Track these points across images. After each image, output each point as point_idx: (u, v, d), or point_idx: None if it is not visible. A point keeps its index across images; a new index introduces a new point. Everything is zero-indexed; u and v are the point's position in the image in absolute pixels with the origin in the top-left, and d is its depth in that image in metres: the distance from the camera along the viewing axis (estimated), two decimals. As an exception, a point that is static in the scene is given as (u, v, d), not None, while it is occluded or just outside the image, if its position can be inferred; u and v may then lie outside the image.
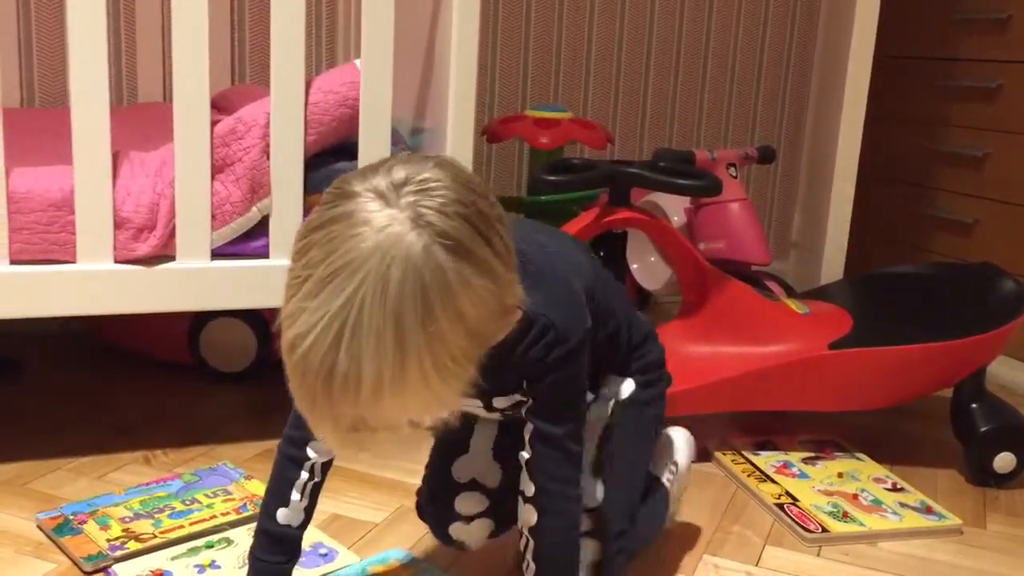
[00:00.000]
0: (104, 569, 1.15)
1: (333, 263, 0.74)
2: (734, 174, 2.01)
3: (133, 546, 1.18)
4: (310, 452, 1.01)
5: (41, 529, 1.23)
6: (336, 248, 0.74)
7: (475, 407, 1.02)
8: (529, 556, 0.98)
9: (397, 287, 0.73)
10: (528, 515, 0.98)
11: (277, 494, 1.02)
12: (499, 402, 0.99)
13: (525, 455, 0.97)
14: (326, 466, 1.03)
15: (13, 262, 1.30)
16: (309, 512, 1.03)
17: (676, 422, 1.69)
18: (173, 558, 1.18)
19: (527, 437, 0.97)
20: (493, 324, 0.80)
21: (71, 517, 1.24)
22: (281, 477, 1.02)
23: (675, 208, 2.08)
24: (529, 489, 0.97)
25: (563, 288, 0.95)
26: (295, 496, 1.01)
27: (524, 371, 0.93)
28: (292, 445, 1.01)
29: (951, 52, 2.31)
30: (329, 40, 2.25)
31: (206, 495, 1.32)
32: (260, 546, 1.02)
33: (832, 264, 2.13)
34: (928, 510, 1.44)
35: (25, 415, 1.60)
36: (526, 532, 0.98)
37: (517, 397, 0.98)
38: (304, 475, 1.01)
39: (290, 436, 1.02)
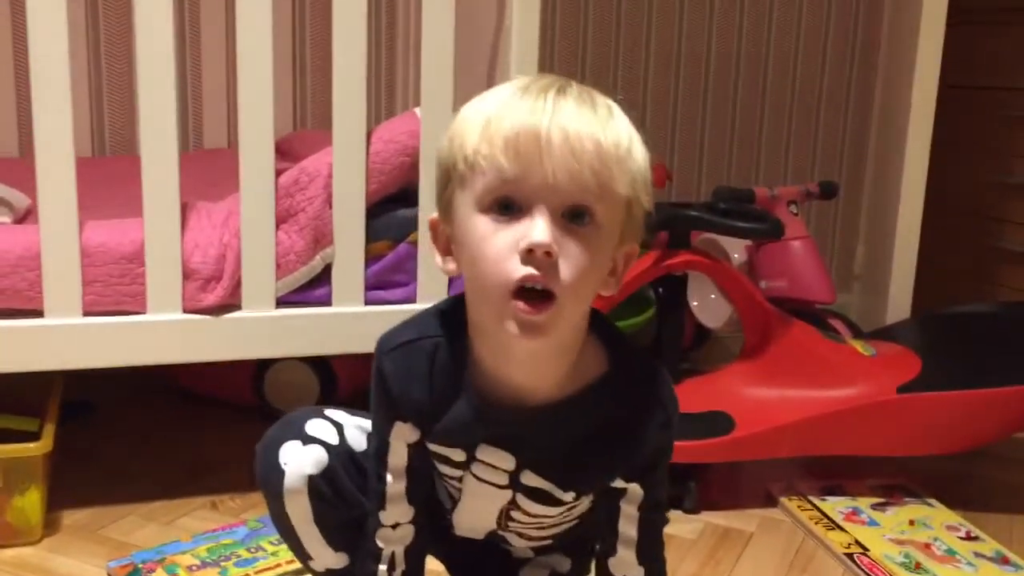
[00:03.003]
0: (173, 619, 1.17)
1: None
2: (795, 211, 1.99)
3: (201, 595, 1.20)
4: (379, 542, 0.94)
5: (112, 577, 1.25)
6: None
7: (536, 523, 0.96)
8: None
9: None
10: None
11: None
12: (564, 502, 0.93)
13: (628, 543, 0.92)
14: (412, 552, 0.95)
15: (86, 313, 1.33)
16: None
17: (740, 468, 1.68)
18: (240, 608, 1.19)
19: (631, 526, 0.91)
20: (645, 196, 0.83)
21: (140, 566, 1.26)
22: (362, 572, 0.97)
23: (735, 246, 2.06)
24: (636, 573, 0.92)
25: (664, 372, 0.90)
26: None
27: (636, 460, 0.89)
28: (365, 538, 0.96)
29: (1012, 82, 2.27)
30: (388, 88, 2.29)
31: (271, 543, 1.33)
32: None
33: (899, 302, 2.09)
34: (1004, 560, 1.39)
35: (96, 458, 1.64)
36: None
37: (572, 504, 0.93)
38: (383, 567, 0.94)
39: (365, 529, 0.96)
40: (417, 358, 0.87)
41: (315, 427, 0.96)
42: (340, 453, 0.95)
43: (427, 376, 0.87)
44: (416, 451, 0.92)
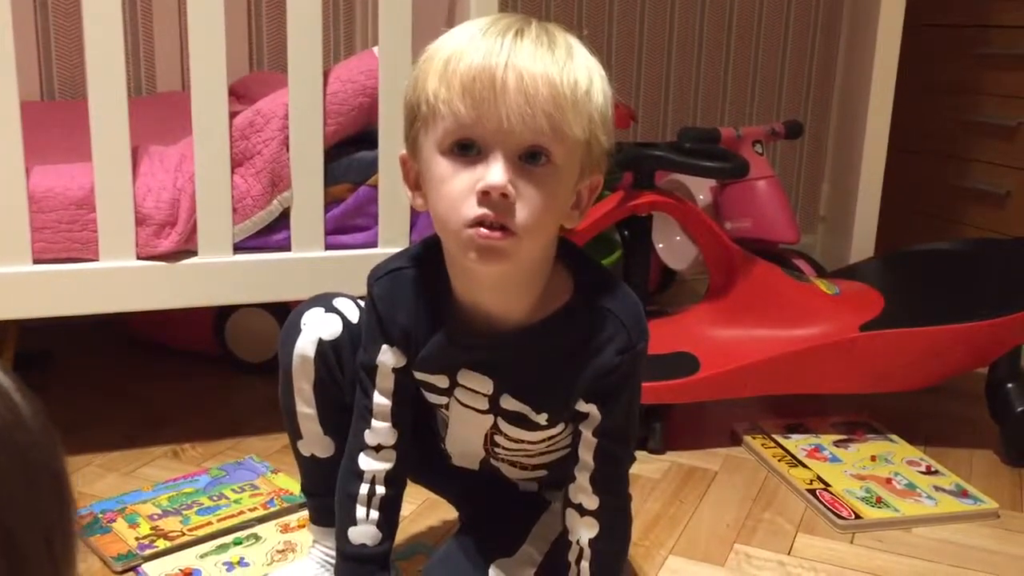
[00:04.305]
0: (134, 568, 1.15)
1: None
2: (760, 151, 1.98)
3: (162, 544, 1.19)
4: (362, 463, 0.98)
5: (72, 528, 1.24)
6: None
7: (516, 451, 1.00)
8: (584, 564, 0.96)
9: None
10: (588, 527, 0.95)
11: (343, 513, 1.00)
12: (540, 435, 0.97)
13: (584, 470, 0.94)
14: (392, 477, 0.99)
15: (36, 261, 1.30)
16: (385, 528, 1.00)
17: (704, 408, 1.69)
18: (202, 556, 1.18)
19: (588, 452, 0.93)
20: (604, 133, 0.84)
21: (100, 515, 1.25)
22: (342, 493, 1.00)
23: (700, 186, 2.05)
24: (591, 503, 0.94)
25: (633, 299, 0.93)
26: (360, 512, 0.99)
27: (594, 383, 0.90)
28: (347, 458, 1.00)
29: (983, 19, 2.26)
30: (347, 27, 2.23)
31: (233, 490, 1.32)
32: (341, 571, 1.01)
33: (862, 241, 2.09)
34: (963, 494, 1.41)
35: (54, 409, 1.60)
36: (583, 544, 0.96)
37: (551, 431, 0.96)
38: (363, 487, 0.98)
39: (347, 447, 1.00)
40: (402, 285, 0.94)
41: (342, 303, 1.03)
42: (353, 332, 1.01)
43: (411, 302, 0.93)
44: (402, 377, 0.97)
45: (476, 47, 0.79)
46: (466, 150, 0.81)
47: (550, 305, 0.90)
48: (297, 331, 1.01)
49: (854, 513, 1.34)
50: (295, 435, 1.06)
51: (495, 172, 0.79)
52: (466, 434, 1.01)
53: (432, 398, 0.98)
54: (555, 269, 0.91)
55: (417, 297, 0.93)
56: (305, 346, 1.00)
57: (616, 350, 0.89)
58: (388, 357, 0.95)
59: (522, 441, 0.98)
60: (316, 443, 1.05)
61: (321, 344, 1.00)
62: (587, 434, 0.93)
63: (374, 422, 0.98)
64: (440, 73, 0.80)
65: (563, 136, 0.80)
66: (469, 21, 0.84)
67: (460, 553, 1.03)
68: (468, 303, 0.90)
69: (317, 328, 1.00)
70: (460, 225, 0.81)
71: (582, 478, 0.94)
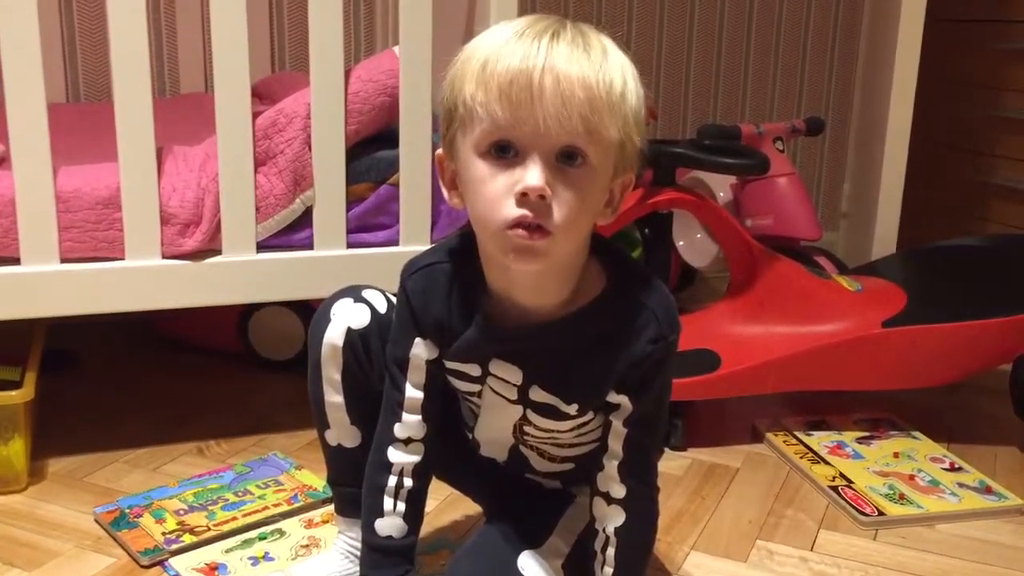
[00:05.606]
0: (161, 563, 1.17)
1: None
2: (781, 148, 1.97)
3: (188, 539, 1.20)
4: (391, 456, 1.00)
5: (99, 523, 1.25)
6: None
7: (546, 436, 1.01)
8: (610, 552, 0.97)
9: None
10: (615, 516, 0.96)
11: (370, 505, 1.01)
12: (567, 424, 0.98)
13: (613, 458, 0.95)
14: (420, 470, 1.01)
15: (63, 260, 1.32)
16: (411, 520, 1.01)
17: (725, 404, 1.68)
18: (227, 551, 1.19)
19: (617, 442, 0.95)
20: (637, 131, 0.85)
21: (127, 511, 1.26)
22: (369, 485, 1.01)
23: (721, 184, 2.05)
24: (618, 492, 0.96)
25: (664, 291, 0.94)
26: (387, 504, 1.00)
27: (626, 373, 0.91)
28: (375, 451, 1.01)
29: (1004, 14, 2.24)
30: (367, 27, 2.24)
31: (258, 486, 1.34)
32: (367, 562, 1.02)
33: (885, 237, 2.08)
34: (988, 490, 1.41)
35: (81, 406, 1.63)
36: (609, 532, 0.97)
37: (581, 419, 0.97)
38: (392, 479, 1.00)
39: (375, 440, 1.02)
40: (437, 279, 0.95)
41: (371, 294, 1.05)
42: (381, 322, 1.03)
43: (446, 296, 0.95)
44: (433, 369, 0.98)
45: (513, 50, 0.80)
46: (503, 152, 0.82)
47: (583, 298, 0.92)
48: (327, 321, 1.03)
49: (877, 510, 1.34)
50: (323, 425, 1.07)
51: (533, 174, 0.80)
52: (496, 423, 1.02)
53: (464, 386, 0.99)
54: (588, 263, 0.92)
55: (451, 291, 0.95)
56: (334, 335, 1.02)
57: (648, 340, 0.90)
58: (421, 350, 0.97)
59: (552, 431, 0.99)
60: (343, 432, 1.06)
61: (350, 333, 1.02)
62: (617, 424, 0.94)
63: (404, 415, 0.99)
64: (477, 76, 0.82)
65: (599, 137, 0.81)
66: (504, 22, 0.85)
67: (487, 545, 1.03)
68: (502, 297, 0.92)
69: (346, 318, 1.02)
70: (499, 226, 0.82)
71: (610, 467, 0.95)
